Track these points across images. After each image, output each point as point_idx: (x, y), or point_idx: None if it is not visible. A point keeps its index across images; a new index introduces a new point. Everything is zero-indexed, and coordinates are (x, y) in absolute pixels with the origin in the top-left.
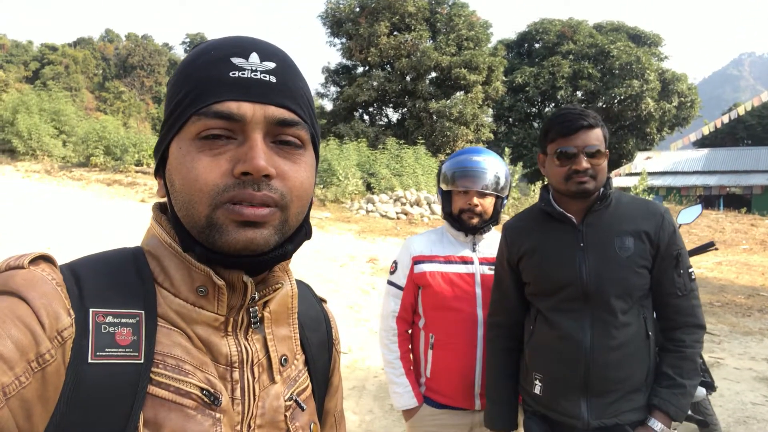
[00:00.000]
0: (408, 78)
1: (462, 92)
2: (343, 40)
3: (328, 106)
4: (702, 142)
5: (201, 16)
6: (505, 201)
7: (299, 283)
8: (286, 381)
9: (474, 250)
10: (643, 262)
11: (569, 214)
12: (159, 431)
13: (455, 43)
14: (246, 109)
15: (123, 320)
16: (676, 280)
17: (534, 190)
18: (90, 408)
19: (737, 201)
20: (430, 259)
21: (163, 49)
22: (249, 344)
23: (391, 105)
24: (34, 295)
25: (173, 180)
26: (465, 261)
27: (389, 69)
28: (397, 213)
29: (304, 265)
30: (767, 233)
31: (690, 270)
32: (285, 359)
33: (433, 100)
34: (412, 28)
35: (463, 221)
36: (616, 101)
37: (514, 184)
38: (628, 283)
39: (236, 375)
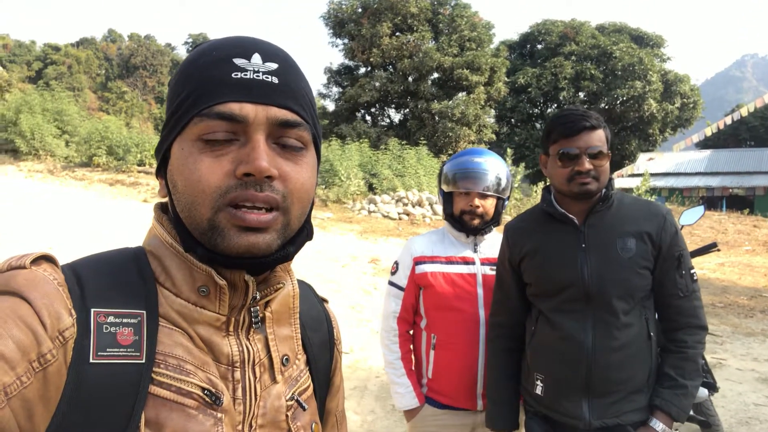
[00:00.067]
0: (410, 79)
1: (464, 93)
2: (346, 40)
3: (331, 106)
4: (704, 144)
5: (203, 16)
6: (506, 202)
7: (301, 283)
8: (288, 381)
9: (475, 251)
10: (645, 263)
11: (571, 215)
12: (160, 431)
13: (457, 44)
14: (248, 110)
15: (124, 320)
16: (677, 281)
17: (536, 191)
18: (91, 408)
19: (740, 202)
20: (432, 260)
21: (166, 50)
22: (250, 344)
23: (393, 105)
24: (36, 295)
25: (175, 181)
26: (466, 261)
27: (391, 70)
28: (399, 213)
29: (306, 265)
30: None
31: (692, 271)
32: (286, 359)
33: (436, 101)
34: (415, 28)
35: (465, 222)
36: (618, 102)
37: (516, 185)
38: (630, 284)
39: (238, 375)
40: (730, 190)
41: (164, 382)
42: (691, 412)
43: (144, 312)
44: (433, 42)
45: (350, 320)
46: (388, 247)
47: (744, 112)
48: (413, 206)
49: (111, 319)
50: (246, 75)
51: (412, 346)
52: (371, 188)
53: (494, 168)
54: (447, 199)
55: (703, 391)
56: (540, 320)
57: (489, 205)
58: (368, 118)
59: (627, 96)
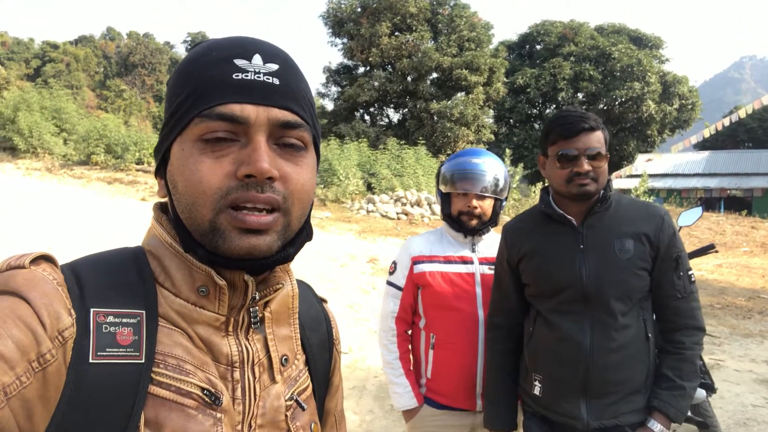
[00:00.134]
0: (409, 78)
1: (463, 93)
2: (345, 40)
3: (329, 106)
4: (703, 145)
5: (202, 15)
6: (504, 203)
7: (300, 283)
8: (287, 381)
9: (473, 251)
10: (643, 264)
11: (569, 216)
12: (160, 431)
13: (456, 44)
14: (249, 111)
15: (124, 320)
16: (675, 282)
17: (534, 192)
18: (91, 408)
19: (738, 203)
20: (430, 259)
21: (165, 48)
22: (250, 344)
23: (392, 105)
24: (35, 295)
25: (176, 182)
26: (465, 261)
27: (390, 69)
28: (397, 213)
29: (305, 264)
30: (767, 236)
31: (690, 272)
32: (286, 359)
33: (434, 101)
34: (414, 28)
35: (462, 223)
36: (617, 103)
37: (514, 185)
38: (628, 285)
39: (237, 375)
40: (728, 192)
41: (164, 382)
42: (689, 413)
43: (143, 312)
44: (432, 42)
45: (348, 320)
46: (387, 247)
47: (742, 113)
48: (412, 206)
49: (110, 319)
50: (247, 76)
51: (410, 346)
52: (370, 188)
53: (492, 169)
54: (445, 199)
55: (700, 392)
56: (538, 321)
57: (487, 205)
58: (367, 117)
59: (626, 97)
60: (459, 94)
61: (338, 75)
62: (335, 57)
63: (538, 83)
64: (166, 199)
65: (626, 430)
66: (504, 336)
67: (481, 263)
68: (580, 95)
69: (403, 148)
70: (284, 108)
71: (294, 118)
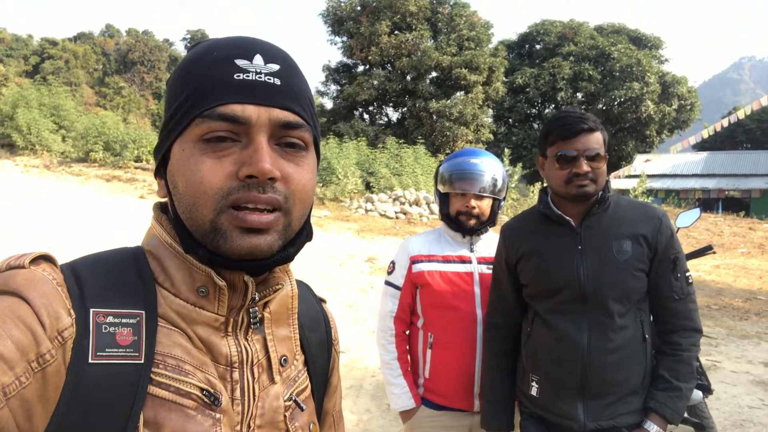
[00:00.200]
0: (408, 77)
1: (462, 92)
2: (344, 38)
3: (328, 104)
4: (701, 146)
5: (201, 12)
6: (502, 203)
7: (299, 283)
8: (286, 381)
9: (471, 251)
10: (641, 265)
11: (568, 217)
12: (159, 431)
13: (456, 43)
14: (251, 111)
15: (123, 320)
16: (673, 283)
17: (533, 191)
18: (90, 408)
19: (736, 204)
20: (429, 259)
21: (164, 45)
22: (249, 344)
23: (391, 104)
24: (35, 295)
25: (176, 182)
26: (463, 260)
27: (390, 68)
28: (396, 212)
29: (303, 263)
30: (765, 237)
31: (687, 274)
32: (285, 359)
33: (434, 100)
34: (413, 27)
35: (461, 223)
36: (616, 103)
37: (513, 185)
38: (626, 286)
39: (236, 375)
40: (727, 193)
41: (163, 383)
42: (686, 415)
43: (143, 312)
44: (432, 41)
45: (347, 319)
46: (385, 246)
47: (741, 114)
48: (410, 205)
49: (110, 319)
50: (248, 76)
51: (408, 346)
52: (368, 187)
53: (490, 169)
54: (443, 199)
55: (697, 394)
56: (536, 321)
57: (485, 205)
58: (366, 116)
59: (625, 97)
60: (458, 94)
61: (337, 73)
62: (335, 55)
63: (538, 83)
64: (165, 199)
65: (623, 431)
66: (502, 336)
67: (479, 263)
68: (579, 95)
69: (402, 147)
70: (285, 108)
71: (295, 118)
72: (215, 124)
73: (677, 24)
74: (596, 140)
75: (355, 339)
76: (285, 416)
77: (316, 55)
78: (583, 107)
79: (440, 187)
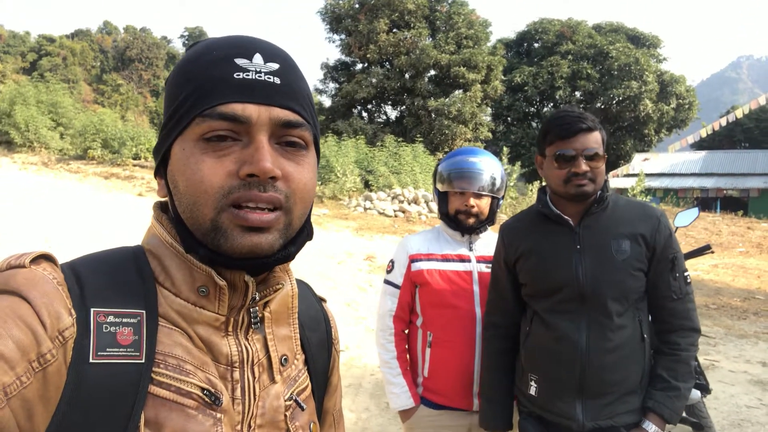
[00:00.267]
0: (407, 75)
1: (461, 91)
2: (342, 36)
3: (327, 102)
4: (699, 145)
5: (200, 9)
6: (500, 201)
7: (299, 282)
8: (286, 381)
9: (470, 249)
10: (639, 265)
11: (566, 217)
12: (160, 431)
13: (454, 42)
14: (251, 110)
15: (124, 320)
16: (671, 283)
17: (532, 190)
18: (91, 408)
19: (734, 204)
20: (428, 257)
21: (162, 43)
22: (249, 344)
23: (389, 102)
24: (36, 295)
25: (177, 181)
26: (462, 259)
27: (388, 66)
28: (394, 211)
29: (302, 262)
30: (763, 236)
31: (686, 273)
32: (285, 359)
33: (432, 98)
34: (412, 25)
35: (460, 221)
36: (614, 102)
37: (511, 184)
38: (624, 286)
39: (237, 375)
40: (725, 192)
41: (164, 382)
42: (684, 414)
43: (144, 312)
44: (430, 39)
45: (346, 318)
46: (384, 245)
47: (739, 113)
48: (409, 203)
49: (111, 318)
50: (248, 75)
51: (407, 345)
52: (367, 185)
53: (489, 168)
54: (442, 198)
55: (695, 393)
56: (534, 321)
57: (484, 204)
58: (364, 114)
59: (623, 96)
60: (457, 92)
61: (336, 71)
62: (333, 53)
63: (536, 81)
64: (166, 199)
65: (621, 430)
66: (501, 335)
67: (478, 261)
68: (577, 94)
69: (401, 146)
70: (285, 107)
71: (295, 117)
72: (216, 124)
73: (675, 23)
74: (595, 140)
75: (354, 337)
76: (285, 416)
77: (314, 52)
78: (581, 106)
79: (439, 186)
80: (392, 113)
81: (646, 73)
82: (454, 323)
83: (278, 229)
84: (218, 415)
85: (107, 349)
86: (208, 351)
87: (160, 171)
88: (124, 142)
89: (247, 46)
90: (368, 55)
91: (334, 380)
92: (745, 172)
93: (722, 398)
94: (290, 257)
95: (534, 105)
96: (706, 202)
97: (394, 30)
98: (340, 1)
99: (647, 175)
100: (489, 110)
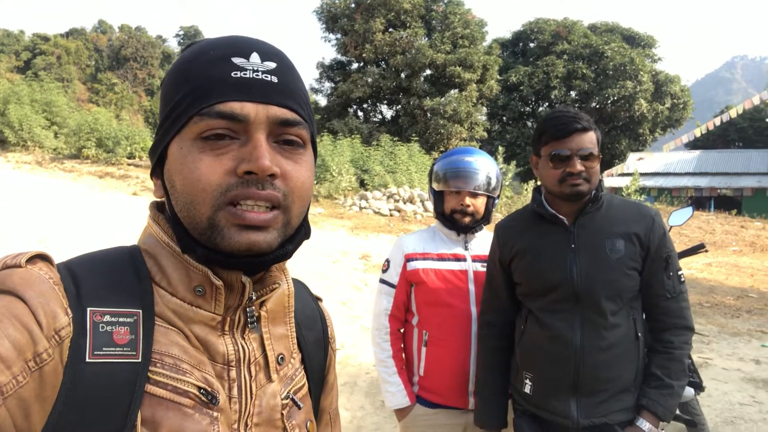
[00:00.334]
0: (402, 75)
1: (456, 90)
2: (338, 35)
3: (322, 101)
4: (694, 144)
5: (195, 8)
6: (496, 201)
7: (295, 281)
8: (283, 379)
9: (466, 249)
10: (633, 264)
11: (561, 216)
12: (157, 430)
13: (450, 41)
14: (249, 109)
15: (120, 319)
16: (665, 282)
17: (527, 189)
18: (88, 407)
19: (728, 203)
20: (423, 257)
21: (157, 42)
22: (246, 343)
23: (385, 102)
24: (32, 294)
25: (174, 180)
26: (458, 258)
27: (384, 65)
28: (390, 210)
29: (297, 261)
30: (757, 235)
31: (679, 272)
32: (282, 358)
33: (428, 98)
34: (408, 25)
35: (455, 221)
36: (609, 102)
37: (507, 183)
38: (618, 285)
39: (233, 374)
40: (719, 191)
41: (160, 381)
42: (678, 412)
43: (140, 311)
44: (426, 39)
45: (341, 316)
46: (379, 244)
47: (733, 113)
48: (404, 203)
49: (107, 318)
50: (246, 74)
51: (403, 344)
52: (362, 184)
53: (485, 167)
54: (438, 197)
55: (689, 391)
56: (529, 319)
57: (479, 203)
58: (360, 113)
59: (618, 96)
60: (452, 91)
61: (331, 71)
62: (329, 52)
63: (531, 81)
64: (163, 199)
65: (615, 428)
66: (496, 334)
67: (474, 261)
68: (572, 93)
69: (396, 145)
70: (283, 106)
71: (293, 115)
72: (214, 122)
73: (670, 23)
74: (590, 140)
75: (350, 336)
76: (282, 414)
77: (310, 51)
78: (576, 105)
79: (435, 185)
80: (388, 113)
81: (641, 72)
82: (449, 322)
83: (276, 228)
84: (215, 414)
85: (104, 349)
86: (205, 350)
87: (157, 171)
88: (118, 142)
89: (243, 46)
90: (364, 55)
91: (331, 379)
92: (738, 171)
93: (715, 396)
94: (288, 255)
95: (529, 104)
96: (700, 201)
97: (390, 29)
98: (336, 1)
99: (642, 174)
100: (484, 110)
